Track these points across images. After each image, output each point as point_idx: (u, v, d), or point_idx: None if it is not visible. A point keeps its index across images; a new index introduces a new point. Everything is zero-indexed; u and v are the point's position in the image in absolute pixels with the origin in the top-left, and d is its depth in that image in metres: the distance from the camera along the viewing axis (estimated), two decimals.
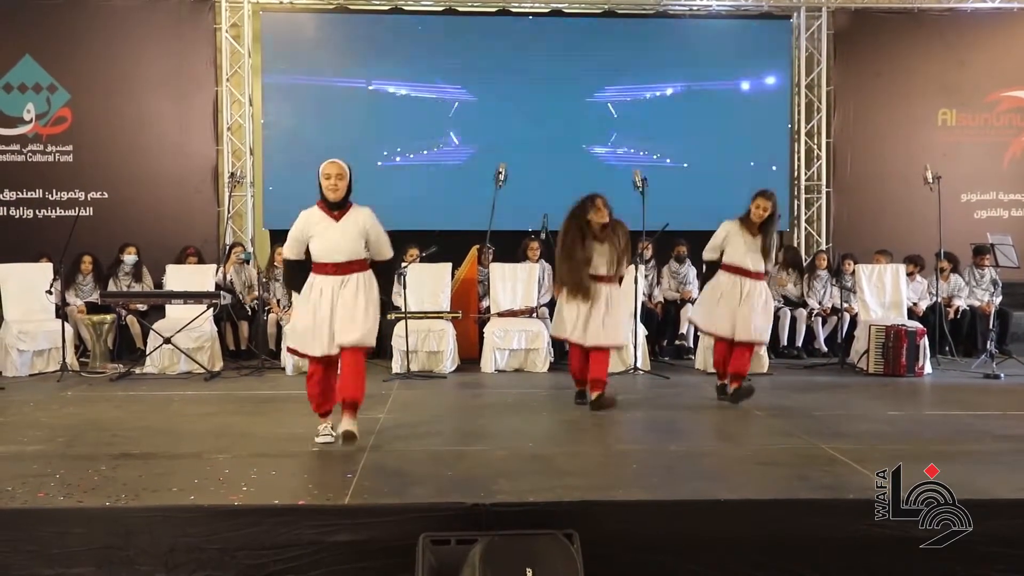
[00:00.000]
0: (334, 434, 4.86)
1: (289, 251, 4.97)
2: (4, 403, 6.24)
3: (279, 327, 8.24)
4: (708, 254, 6.37)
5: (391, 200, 10.03)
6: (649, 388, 7.07)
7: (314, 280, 4.83)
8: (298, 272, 4.96)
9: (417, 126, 10.11)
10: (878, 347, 7.66)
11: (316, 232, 4.82)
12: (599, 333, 5.91)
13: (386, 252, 5.02)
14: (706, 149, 10.26)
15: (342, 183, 4.82)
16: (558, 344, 8.11)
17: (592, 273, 5.91)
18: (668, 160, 10.28)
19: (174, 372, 7.57)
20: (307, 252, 4.91)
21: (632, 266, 7.51)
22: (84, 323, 8.11)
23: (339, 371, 4.86)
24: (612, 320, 5.98)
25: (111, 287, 8.52)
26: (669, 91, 10.32)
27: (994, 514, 3.59)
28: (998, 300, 8.96)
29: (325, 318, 4.74)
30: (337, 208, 4.83)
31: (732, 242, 6.18)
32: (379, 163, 10.06)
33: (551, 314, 8.17)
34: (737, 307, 6.12)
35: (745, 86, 10.31)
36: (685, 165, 10.29)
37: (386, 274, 5.12)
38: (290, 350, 4.94)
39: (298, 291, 4.99)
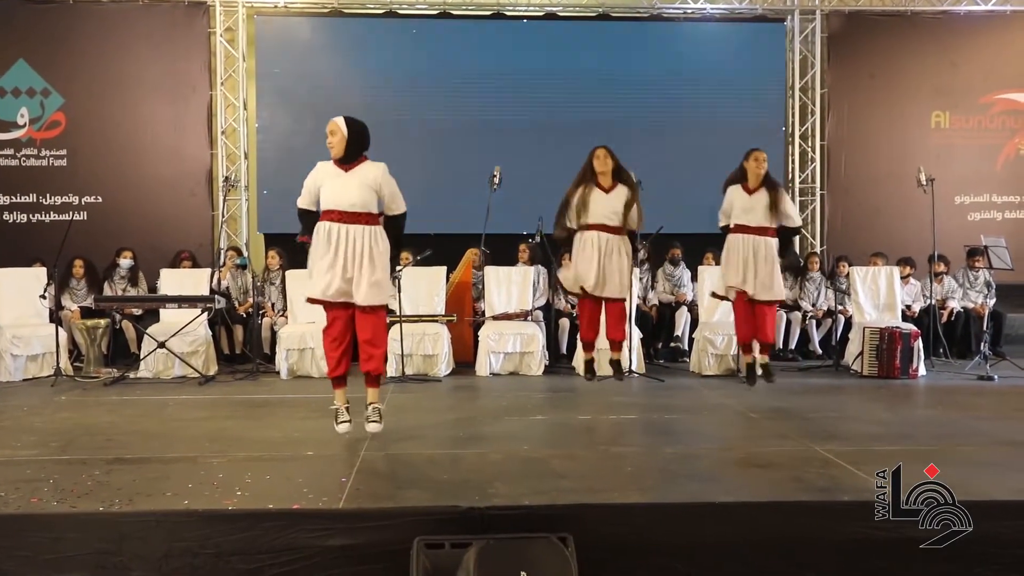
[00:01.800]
0: (350, 419, 4.95)
1: (302, 200, 5.05)
2: None
3: (274, 331, 8.23)
4: (720, 220, 6.42)
5: None
6: (644, 391, 7.07)
7: (322, 226, 4.89)
8: (309, 221, 5.03)
9: (410, 128, 10.10)
10: (872, 349, 7.67)
11: (326, 182, 4.95)
12: (610, 286, 5.93)
13: (399, 206, 5.07)
14: (700, 152, 10.26)
15: (336, 140, 4.99)
16: (553, 347, 8.13)
17: (596, 223, 5.91)
18: (662, 162, 10.28)
19: (168, 376, 7.56)
20: (319, 204, 4.99)
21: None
22: (78, 327, 8.09)
23: (360, 340, 4.90)
24: (619, 271, 5.96)
25: (106, 291, 8.50)
26: (663, 93, 10.32)
27: (989, 516, 3.59)
28: (992, 302, 8.98)
29: (336, 263, 4.81)
30: (346, 162, 4.97)
31: (735, 204, 6.23)
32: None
33: (545, 317, 8.22)
34: (749, 263, 6.13)
35: (739, 89, 10.31)
36: (679, 168, 10.28)
37: (396, 229, 5.11)
38: (310, 300, 4.93)
39: (304, 231, 5.07)
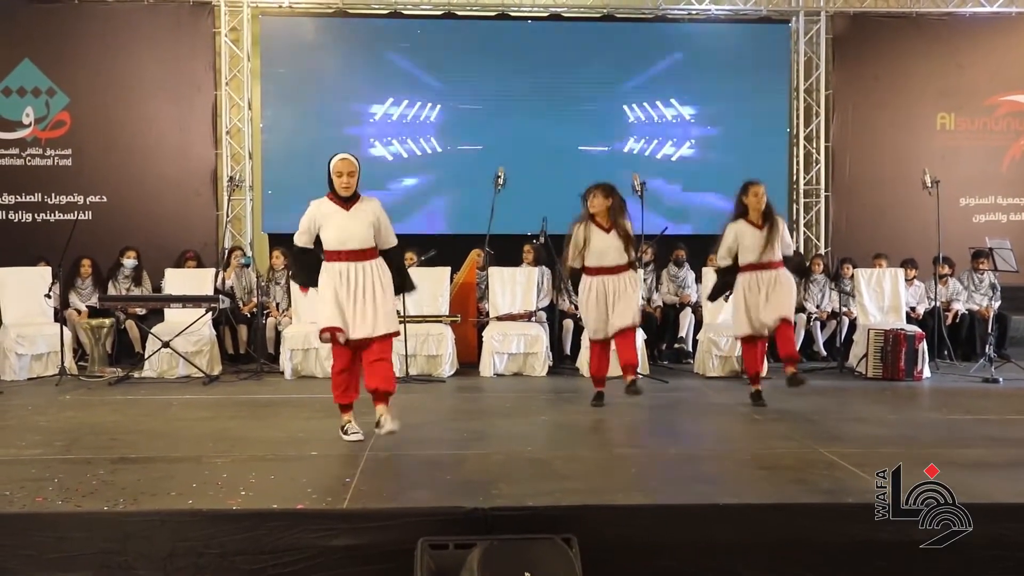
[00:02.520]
0: (361, 432, 4.98)
1: (300, 238, 5.05)
2: (2, 407, 6.23)
3: (278, 331, 8.24)
4: (723, 260, 6.37)
5: (389, 203, 10.02)
6: (648, 392, 7.03)
7: (330, 267, 4.91)
8: (305, 259, 5.07)
9: (416, 130, 10.11)
10: (877, 351, 7.66)
11: (327, 222, 4.91)
12: (618, 318, 5.95)
13: (392, 240, 5.15)
14: (704, 153, 10.28)
15: (353, 180, 4.93)
16: (557, 348, 8.13)
17: (597, 265, 5.96)
18: (667, 164, 10.30)
19: (173, 376, 7.57)
20: (316, 241, 5.00)
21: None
22: (83, 327, 8.10)
23: (367, 362, 4.94)
24: (625, 304, 5.99)
25: (110, 291, 8.51)
26: (668, 95, 10.32)
27: (993, 518, 3.58)
28: (997, 304, 8.97)
29: (346, 301, 4.85)
30: (348, 200, 4.94)
31: (742, 242, 6.20)
32: (378, 166, 10.07)
33: (549, 318, 8.21)
34: (759, 301, 6.14)
35: (744, 90, 10.31)
36: (684, 169, 10.30)
37: (397, 259, 5.23)
38: (325, 330, 4.91)
39: (304, 278, 5.14)
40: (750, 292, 6.19)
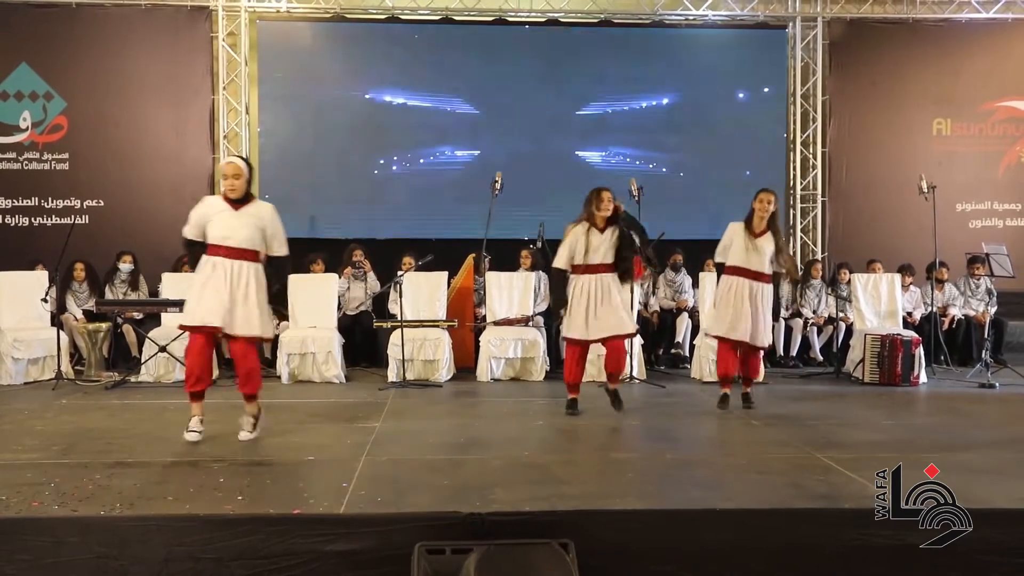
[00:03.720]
0: (202, 431, 5.09)
1: (188, 231, 5.22)
2: None
3: (275, 335, 8.22)
4: (718, 257, 6.44)
5: (387, 208, 10.10)
6: (645, 397, 7.06)
7: (208, 259, 5.08)
8: (194, 250, 5.24)
9: (413, 135, 10.12)
10: (873, 356, 7.67)
11: (215, 218, 5.10)
12: (613, 325, 5.92)
13: (281, 248, 5.26)
14: (702, 158, 10.30)
15: (239, 182, 5.10)
16: (554, 353, 8.12)
17: (591, 262, 5.93)
18: (664, 169, 10.33)
19: (170, 380, 7.57)
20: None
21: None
22: (79, 331, 8.09)
23: (236, 364, 5.20)
24: (613, 308, 5.96)
25: (107, 295, 8.51)
26: (665, 100, 10.36)
27: (991, 523, 3.59)
28: (993, 310, 8.98)
29: (217, 294, 4.99)
30: (240, 202, 5.12)
31: (734, 244, 6.23)
32: (375, 172, 10.09)
33: (546, 323, 8.21)
34: (741, 309, 6.15)
35: (740, 96, 10.35)
36: (681, 174, 10.33)
37: (279, 271, 5.35)
38: (181, 327, 5.20)
39: (195, 267, 5.28)
40: (730, 295, 6.21)
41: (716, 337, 6.43)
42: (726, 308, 6.23)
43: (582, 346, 6.07)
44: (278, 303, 5.53)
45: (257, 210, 5.16)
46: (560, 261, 6.04)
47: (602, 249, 5.95)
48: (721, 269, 6.37)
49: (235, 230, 5.05)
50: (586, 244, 5.93)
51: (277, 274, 5.31)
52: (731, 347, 6.30)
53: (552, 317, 7.74)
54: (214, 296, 4.98)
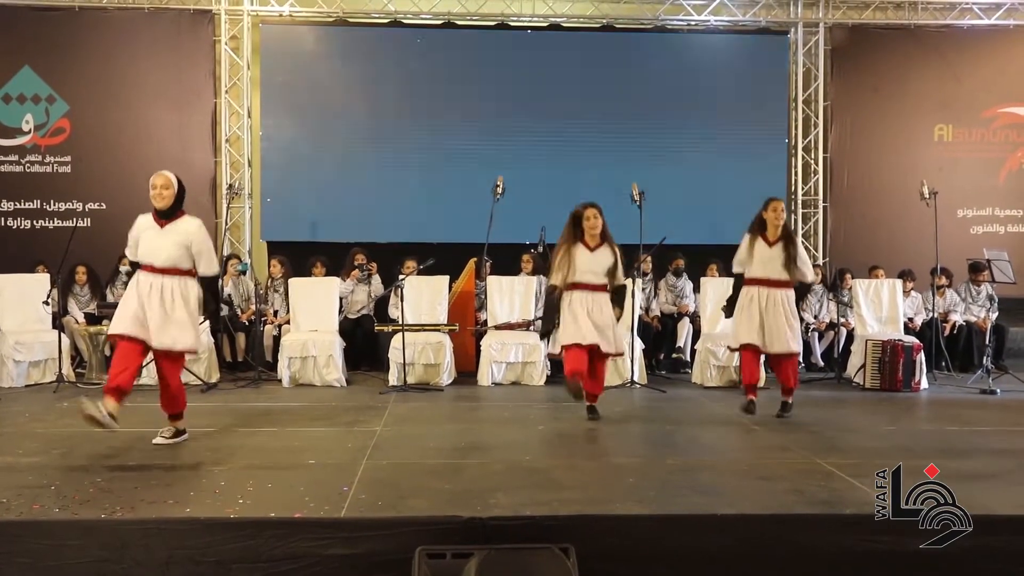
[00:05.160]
0: (112, 420, 4.85)
1: (129, 252, 5.32)
2: (0, 414, 6.21)
3: (276, 339, 8.24)
4: (736, 268, 6.44)
5: (388, 212, 10.10)
6: (646, 402, 7.06)
7: (139, 276, 5.14)
8: (137, 270, 5.28)
9: (414, 139, 10.12)
10: (875, 362, 7.67)
11: (143, 236, 5.17)
12: (603, 343, 5.92)
13: (208, 267, 5.25)
14: (703, 163, 10.29)
15: (167, 192, 5.16)
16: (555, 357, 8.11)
17: (580, 281, 5.92)
18: (665, 174, 10.31)
19: None
20: None
21: (629, 280, 7.56)
22: (80, 334, 8.10)
23: (159, 380, 5.19)
24: (608, 328, 5.97)
25: (109, 298, 8.51)
26: (666, 105, 10.34)
27: (991, 530, 3.58)
28: (994, 316, 8.96)
29: (143, 308, 5.01)
30: (164, 217, 5.15)
31: (752, 255, 6.24)
32: (377, 175, 10.09)
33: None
34: (763, 318, 6.16)
35: (742, 101, 10.33)
36: (682, 179, 10.31)
37: (209, 288, 5.32)
38: (110, 336, 5.20)
39: None
40: (752, 305, 6.21)
41: (739, 348, 6.40)
42: (747, 318, 6.22)
43: (580, 348, 5.96)
44: (214, 321, 5.61)
45: (183, 227, 5.17)
46: (553, 280, 6.05)
47: (595, 270, 5.95)
48: (740, 279, 6.37)
49: (160, 249, 5.10)
50: (575, 264, 5.92)
51: (210, 295, 5.31)
52: (753, 355, 6.30)
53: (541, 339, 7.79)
54: (139, 309, 5.01)
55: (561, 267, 5.96)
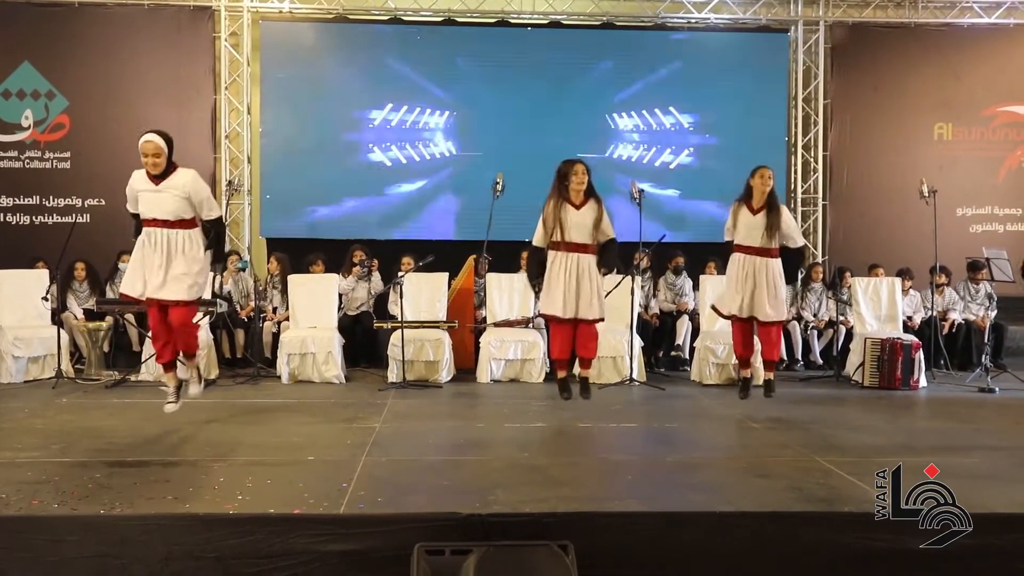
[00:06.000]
0: (176, 401, 5.47)
1: (130, 206, 5.42)
2: None
3: (275, 336, 8.24)
4: (725, 236, 6.45)
5: (388, 209, 10.11)
6: (645, 399, 7.06)
7: (144, 233, 5.25)
8: (138, 222, 5.42)
9: (415, 136, 10.12)
10: (873, 360, 7.67)
11: (141, 195, 5.25)
12: (584, 308, 5.87)
13: (210, 212, 5.35)
14: (703, 161, 10.30)
15: (159, 160, 5.18)
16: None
17: (567, 240, 5.87)
18: (665, 171, 10.32)
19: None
20: None
21: (629, 277, 7.56)
22: (80, 330, 8.10)
23: (174, 329, 5.31)
24: (592, 291, 5.91)
25: (108, 294, 8.50)
26: (666, 103, 10.34)
27: (991, 528, 3.59)
28: (993, 314, 8.98)
29: (153, 265, 5.17)
30: (158, 177, 5.20)
31: (737, 223, 6.24)
32: (376, 172, 10.08)
33: (547, 324, 8.19)
34: (746, 286, 6.15)
35: (742, 99, 10.32)
36: (682, 177, 10.32)
37: (216, 230, 5.44)
38: (121, 295, 5.37)
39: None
40: (740, 272, 6.19)
41: (726, 316, 6.39)
42: (733, 288, 6.23)
43: (565, 322, 5.95)
44: (219, 262, 5.69)
45: (178, 180, 5.21)
46: (536, 240, 6.00)
47: (581, 227, 5.86)
48: (729, 248, 6.37)
49: (160, 204, 5.18)
50: (561, 221, 5.84)
51: (216, 238, 5.43)
52: (742, 326, 6.29)
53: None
54: (148, 268, 5.16)
55: (546, 225, 5.92)
